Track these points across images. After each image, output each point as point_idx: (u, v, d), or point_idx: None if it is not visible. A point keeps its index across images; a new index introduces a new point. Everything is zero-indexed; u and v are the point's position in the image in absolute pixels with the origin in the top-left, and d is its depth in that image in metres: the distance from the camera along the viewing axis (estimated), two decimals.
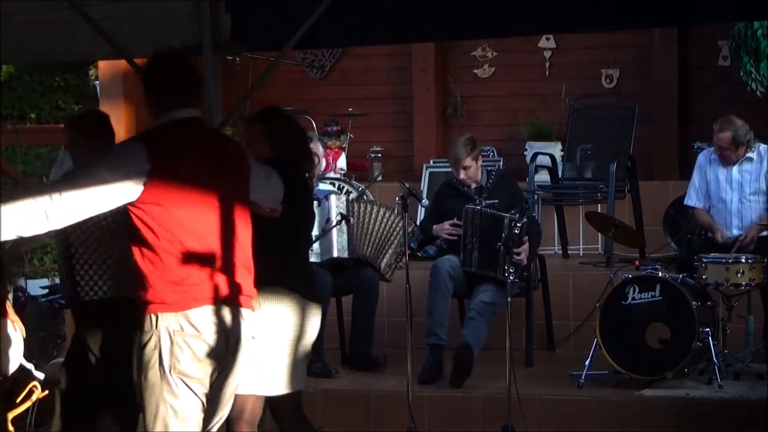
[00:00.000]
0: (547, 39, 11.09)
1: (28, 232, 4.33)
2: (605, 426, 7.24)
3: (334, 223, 7.98)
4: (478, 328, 7.78)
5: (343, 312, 8.52)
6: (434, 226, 8.31)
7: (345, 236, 8.09)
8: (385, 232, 8.21)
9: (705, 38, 10.69)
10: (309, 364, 7.86)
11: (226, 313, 4.54)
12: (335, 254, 8.07)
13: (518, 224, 7.67)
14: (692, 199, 8.33)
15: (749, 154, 8.13)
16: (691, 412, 7.21)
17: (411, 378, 7.10)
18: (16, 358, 5.19)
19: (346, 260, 8.16)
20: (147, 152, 4.45)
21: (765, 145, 8.18)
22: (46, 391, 4.41)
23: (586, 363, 7.55)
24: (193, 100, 4.68)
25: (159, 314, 4.44)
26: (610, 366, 7.52)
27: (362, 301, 8.24)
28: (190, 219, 4.50)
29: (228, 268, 4.57)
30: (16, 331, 5.70)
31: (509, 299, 7.07)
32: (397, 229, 8.23)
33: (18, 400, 4.38)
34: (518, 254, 7.74)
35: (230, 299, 4.57)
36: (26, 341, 6.09)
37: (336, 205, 8.07)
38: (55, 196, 4.29)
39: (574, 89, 10.89)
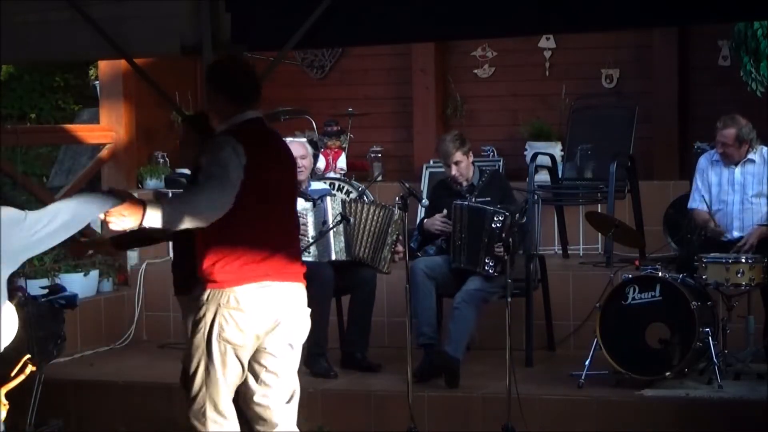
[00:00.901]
0: (547, 39, 11.08)
1: (196, 225, 5.00)
2: (605, 426, 7.24)
3: (332, 224, 7.96)
4: (463, 318, 7.77)
5: (343, 312, 8.51)
6: (425, 221, 8.29)
7: (342, 238, 8.07)
8: (379, 230, 8.18)
9: (705, 38, 10.68)
10: (313, 363, 7.94)
11: (274, 290, 5.17)
12: (333, 257, 8.04)
13: (499, 218, 7.69)
14: (696, 201, 8.31)
15: (751, 155, 8.13)
16: (691, 412, 7.21)
17: (411, 378, 7.11)
18: (9, 332, 5.18)
19: (343, 261, 8.13)
20: (243, 147, 5.04)
21: (766, 147, 8.18)
22: (34, 368, 4.44)
23: (586, 363, 7.55)
24: (257, 102, 5.26)
25: (211, 290, 5.11)
26: (610, 366, 7.52)
27: (359, 302, 8.23)
28: (262, 208, 5.12)
29: (282, 251, 5.21)
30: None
31: (509, 299, 7.07)
32: (389, 221, 8.17)
33: (12, 374, 4.38)
34: (499, 249, 7.73)
35: (281, 277, 5.20)
36: (26, 341, 6.10)
37: (332, 207, 8.06)
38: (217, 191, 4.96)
39: (574, 89, 10.89)
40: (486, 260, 7.76)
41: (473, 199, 8.08)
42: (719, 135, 8.13)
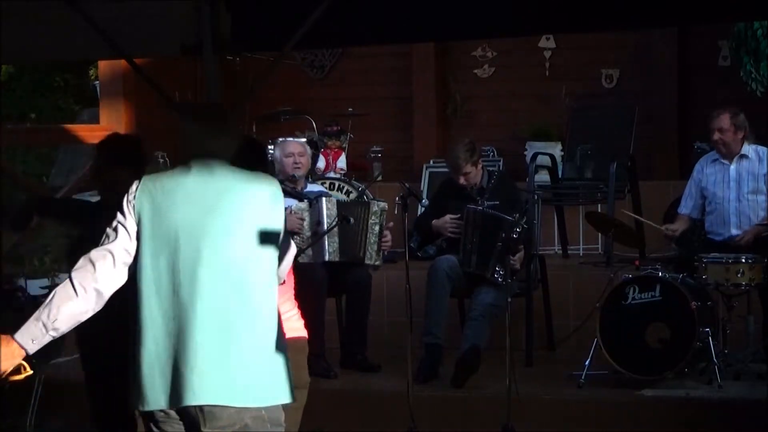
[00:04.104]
0: (547, 39, 11.09)
1: None
2: (605, 426, 7.24)
3: (332, 225, 7.95)
4: (482, 330, 7.78)
5: (342, 312, 8.51)
6: (434, 221, 8.28)
7: (336, 239, 8.04)
8: (361, 226, 8.15)
9: (705, 38, 10.69)
10: (312, 363, 7.94)
11: None
12: (327, 258, 8.02)
13: (517, 230, 7.69)
14: (687, 208, 8.35)
15: (745, 151, 8.12)
16: (691, 412, 7.21)
17: (411, 378, 7.11)
18: None
19: (336, 262, 8.11)
20: None
21: (764, 148, 8.17)
22: (31, 371, 4.41)
23: (586, 363, 7.55)
24: None
25: None
26: (610, 366, 7.52)
27: (355, 303, 8.21)
28: None
29: None
30: None
31: (509, 299, 7.08)
32: (367, 214, 8.14)
33: (6, 375, 4.36)
34: (514, 260, 7.76)
35: None
36: None
37: (327, 207, 8.04)
38: None
39: (574, 89, 10.90)
40: (497, 268, 7.74)
41: (484, 203, 8.07)
42: (713, 123, 8.10)
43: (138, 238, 4.19)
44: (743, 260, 7.64)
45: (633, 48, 10.90)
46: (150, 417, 4.24)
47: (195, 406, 4.13)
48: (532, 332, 8.37)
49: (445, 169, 10.58)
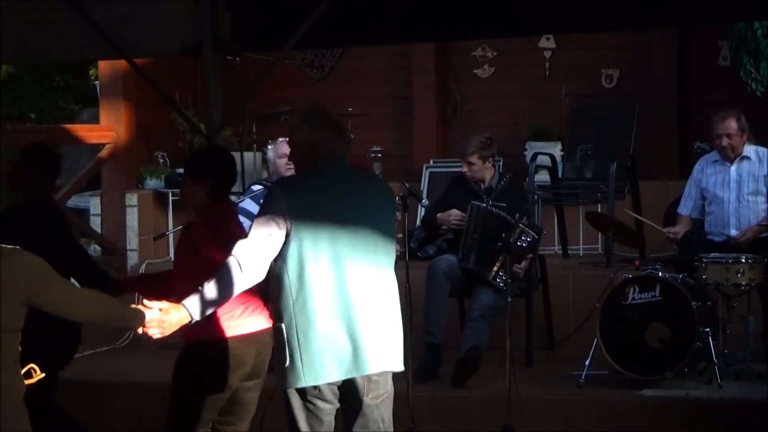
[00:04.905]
0: (547, 39, 11.08)
1: None
2: (605, 426, 7.24)
3: None
4: (483, 330, 7.78)
5: None
6: (439, 215, 8.31)
7: None
8: None
9: (705, 38, 10.68)
10: None
11: None
12: None
13: (528, 239, 7.69)
14: (687, 208, 8.33)
15: (746, 152, 8.11)
16: (691, 412, 7.21)
17: (411, 378, 7.10)
18: None
19: None
20: None
21: (765, 149, 8.16)
22: (42, 375, 4.46)
23: (586, 363, 7.55)
24: None
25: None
26: (610, 366, 7.52)
27: None
28: None
29: None
30: None
31: (509, 299, 7.08)
32: None
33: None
34: (519, 268, 7.77)
35: None
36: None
37: None
38: None
39: (574, 89, 10.89)
40: (500, 273, 7.75)
41: (490, 202, 8.09)
42: (719, 128, 8.07)
43: (290, 234, 4.61)
44: (743, 260, 7.64)
45: (633, 48, 10.89)
46: (302, 395, 4.74)
47: (364, 376, 4.74)
48: (532, 332, 8.37)
49: (446, 169, 10.62)
